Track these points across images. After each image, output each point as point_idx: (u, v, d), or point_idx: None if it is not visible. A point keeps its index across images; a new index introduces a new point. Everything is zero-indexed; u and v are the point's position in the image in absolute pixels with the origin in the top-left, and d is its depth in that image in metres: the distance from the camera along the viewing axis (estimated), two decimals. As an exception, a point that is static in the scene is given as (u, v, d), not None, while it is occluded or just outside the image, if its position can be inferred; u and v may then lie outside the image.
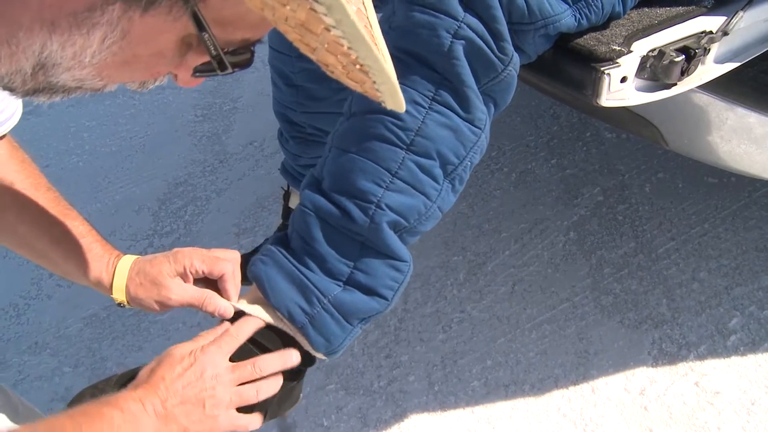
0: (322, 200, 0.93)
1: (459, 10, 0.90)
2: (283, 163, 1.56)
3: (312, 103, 1.43)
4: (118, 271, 0.91)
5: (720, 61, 1.15)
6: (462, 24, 0.89)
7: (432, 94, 0.90)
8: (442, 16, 0.90)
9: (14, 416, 0.89)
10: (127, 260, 0.92)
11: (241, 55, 0.53)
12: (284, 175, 1.55)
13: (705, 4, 1.11)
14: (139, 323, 1.74)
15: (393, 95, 0.51)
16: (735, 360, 1.55)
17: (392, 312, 1.57)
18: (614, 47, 0.99)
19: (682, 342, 1.59)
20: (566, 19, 0.95)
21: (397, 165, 0.90)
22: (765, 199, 1.89)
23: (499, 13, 0.89)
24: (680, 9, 1.09)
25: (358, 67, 0.47)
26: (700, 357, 1.56)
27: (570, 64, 1.00)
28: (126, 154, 2.32)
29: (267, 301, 0.92)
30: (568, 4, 0.96)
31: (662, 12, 1.08)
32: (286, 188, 1.58)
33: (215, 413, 0.77)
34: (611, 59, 0.98)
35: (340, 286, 0.92)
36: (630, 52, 0.99)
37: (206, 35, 0.48)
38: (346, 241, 0.93)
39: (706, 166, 1.46)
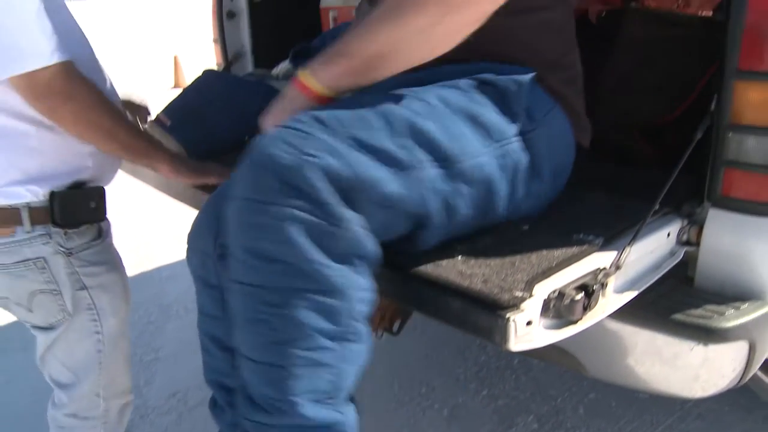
0: None
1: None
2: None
3: None
4: None
5: (619, 291, 1.21)
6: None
7: None
8: None
9: None
10: None
11: None
12: None
13: (596, 243, 1.19)
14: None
15: None
16: None
17: None
18: (516, 294, 1.02)
19: None
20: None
21: None
22: (697, 409, 1.90)
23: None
24: (575, 249, 1.16)
25: None
26: None
27: (476, 313, 1.03)
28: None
29: None
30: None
31: (559, 254, 1.15)
32: None
33: None
34: (515, 305, 1.01)
35: None
36: (532, 296, 1.03)
37: None
38: None
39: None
